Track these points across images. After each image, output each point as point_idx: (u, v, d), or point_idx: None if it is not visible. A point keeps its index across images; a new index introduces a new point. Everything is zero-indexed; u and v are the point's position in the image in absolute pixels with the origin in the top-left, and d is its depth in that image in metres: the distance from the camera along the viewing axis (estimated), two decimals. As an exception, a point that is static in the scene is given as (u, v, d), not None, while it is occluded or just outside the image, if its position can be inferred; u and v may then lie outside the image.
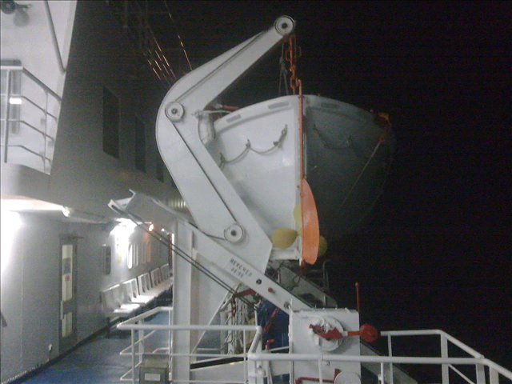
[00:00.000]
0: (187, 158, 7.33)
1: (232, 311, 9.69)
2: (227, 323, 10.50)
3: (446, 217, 56.93)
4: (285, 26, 7.26)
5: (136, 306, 15.31)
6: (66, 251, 11.97)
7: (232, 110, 7.40)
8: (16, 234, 9.62)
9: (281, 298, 6.96)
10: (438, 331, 6.56)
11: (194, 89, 7.40)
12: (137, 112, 15.60)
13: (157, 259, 21.99)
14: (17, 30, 9.68)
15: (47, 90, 8.88)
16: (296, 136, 6.70)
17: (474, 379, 5.28)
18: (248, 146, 7.20)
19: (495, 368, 4.91)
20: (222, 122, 7.49)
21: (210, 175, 7.26)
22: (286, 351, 6.61)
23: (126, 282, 16.56)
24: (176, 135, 7.39)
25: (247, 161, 7.31)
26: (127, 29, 14.78)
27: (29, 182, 8.18)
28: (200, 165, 7.28)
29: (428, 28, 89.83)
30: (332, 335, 5.76)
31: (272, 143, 6.91)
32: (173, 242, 7.50)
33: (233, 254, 7.13)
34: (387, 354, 6.52)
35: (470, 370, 5.37)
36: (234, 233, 7.16)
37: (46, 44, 9.30)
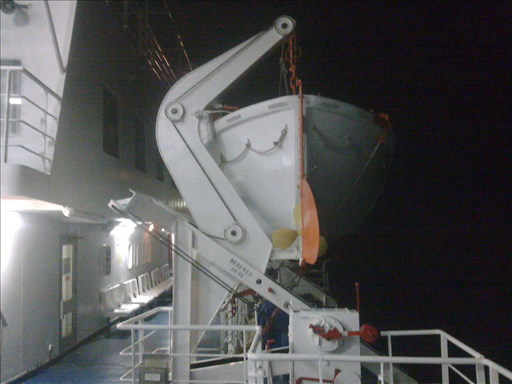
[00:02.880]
0: (187, 157, 7.32)
1: (232, 311, 9.69)
2: (227, 323, 10.49)
3: (445, 217, 56.92)
4: (285, 26, 7.25)
5: (136, 306, 15.31)
6: (66, 251, 11.97)
7: (232, 110, 7.39)
8: (16, 234, 9.62)
9: (281, 297, 6.95)
10: (438, 331, 6.56)
11: (194, 89, 7.40)
12: (137, 112, 15.60)
13: (157, 259, 21.99)
14: (17, 30, 9.68)
15: (47, 90, 8.88)
16: (296, 136, 6.70)
17: (474, 379, 5.28)
18: (248, 145, 7.19)
19: (495, 368, 4.91)
20: (222, 122, 7.48)
21: (210, 175, 7.25)
22: (286, 351, 6.61)
23: (125, 282, 16.56)
24: (176, 135, 7.39)
25: (247, 161, 7.31)
26: (127, 29, 14.78)
27: (29, 182, 8.17)
28: (200, 165, 7.28)
29: (428, 28, 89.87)
30: (332, 335, 5.76)
31: (272, 143, 6.91)
32: (173, 242, 7.49)
33: (233, 253, 7.13)
34: (387, 354, 6.52)
35: (470, 370, 5.37)
36: (234, 233, 7.15)
37: (46, 44, 9.30)
